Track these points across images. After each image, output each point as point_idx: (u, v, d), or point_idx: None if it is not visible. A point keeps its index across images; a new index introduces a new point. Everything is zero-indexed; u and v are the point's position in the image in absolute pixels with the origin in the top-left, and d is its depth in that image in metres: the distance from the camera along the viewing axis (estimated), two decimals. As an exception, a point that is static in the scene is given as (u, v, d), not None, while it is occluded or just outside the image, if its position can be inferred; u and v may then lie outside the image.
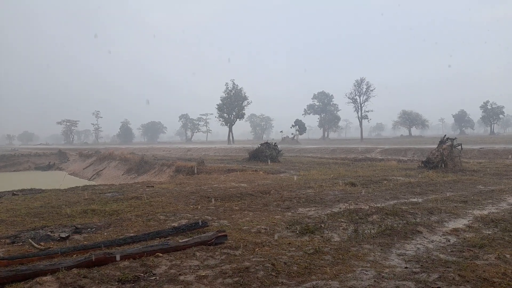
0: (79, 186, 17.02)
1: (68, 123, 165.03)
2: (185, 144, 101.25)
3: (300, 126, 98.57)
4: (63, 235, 7.63)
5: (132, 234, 7.68)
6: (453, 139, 23.21)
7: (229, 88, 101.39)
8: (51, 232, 7.89)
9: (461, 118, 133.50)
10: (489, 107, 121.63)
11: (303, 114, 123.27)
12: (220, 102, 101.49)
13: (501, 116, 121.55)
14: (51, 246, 6.96)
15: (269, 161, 28.08)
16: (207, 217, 9.43)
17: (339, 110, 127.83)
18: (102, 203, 11.70)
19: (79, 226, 8.56)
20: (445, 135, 24.22)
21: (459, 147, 23.21)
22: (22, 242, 7.27)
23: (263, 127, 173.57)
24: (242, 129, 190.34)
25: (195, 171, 22.21)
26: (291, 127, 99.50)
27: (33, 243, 7.01)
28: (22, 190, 16.16)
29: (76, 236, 7.77)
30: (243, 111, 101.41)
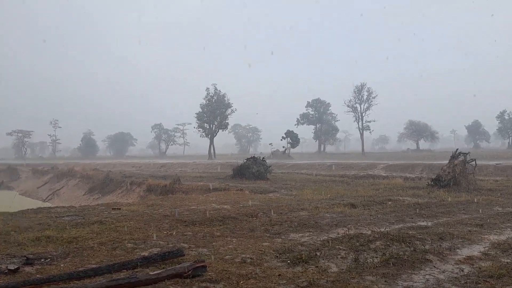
0: (31, 209, 16.86)
1: (20, 134, 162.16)
2: (159, 159, 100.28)
3: (292, 138, 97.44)
4: (11, 267, 7.47)
5: (94, 266, 7.61)
6: (466, 154, 23.66)
7: (210, 94, 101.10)
8: (-3, 263, 7.70)
9: (475, 130, 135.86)
10: (506, 117, 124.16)
11: (295, 125, 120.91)
12: (200, 110, 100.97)
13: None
14: (-4, 281, 6.78)
15: (256, 178, 28.51)
16: (184, 244, 9.44)
17: (337, 121, 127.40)
18: (59, 228, 11.63)
19: (31, 256, 8.43)
20: (457, 149, 24.70)
21: (473, 163, 23.67)
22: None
23: (250, 138, 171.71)
24: (226, 140, 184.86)
25: (170, 191, 22.45)
26: (281, 139, 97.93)
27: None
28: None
29: (27, 268, 7.66)
30: (227, 121, 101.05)
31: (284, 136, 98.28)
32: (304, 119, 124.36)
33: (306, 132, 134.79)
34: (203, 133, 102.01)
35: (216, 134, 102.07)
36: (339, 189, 21.90)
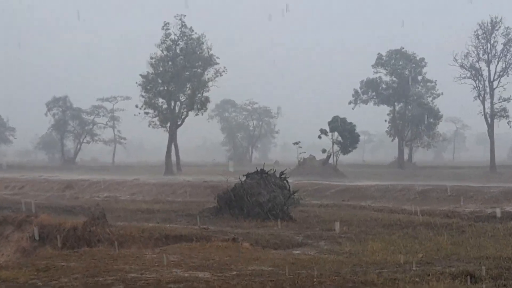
0: None
1: None
2: (62, 172, 61.37)
3: (343, 132, 56.81)
4: None
5: None
6: None
7: (173, 34, 60.67)
8: None
9: None
10: None
11: (350, 104, 73.93)
12: (149, 71, 60.79)
13: None
14: None
15: (267, 216, 21.00)
16: None
17: (437, 97, 75.40)
18: None
19: None
20: None
21: None
22: None
23: (253, 132, 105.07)
24: (203, 135, 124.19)
25: (85, 239, 17.38)
26: (320, 136, 57.94)
27: None
28: None
29: None
30: (205, 93, 61.55)
31: (325, 130, 57.76)
32: (368, 91, 73.48)
33: (372, 121, 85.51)
34: (155, 119, 60.99)
35: (182, 122, 62.57)
36: (441, 241, 15.44)
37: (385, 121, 76.04)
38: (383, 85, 72.85)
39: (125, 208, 26.49)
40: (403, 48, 73.32)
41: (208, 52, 60.44)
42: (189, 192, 36.51)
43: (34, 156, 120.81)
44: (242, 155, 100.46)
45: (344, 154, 58.55)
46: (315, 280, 10.40)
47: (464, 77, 60.34)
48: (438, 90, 74.94)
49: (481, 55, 59.32)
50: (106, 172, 61.66)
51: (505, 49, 58.58)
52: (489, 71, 59.57)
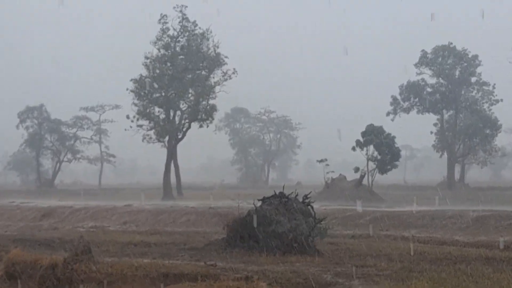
0: None
1: None
2: (38, 197, 55.79)
3: (380, 146, 49.41)
4: None
5: None
6: None
7: (172, 29, 52.89)
8: None
9: None
10: None
11: (389, 114, 64.69)
12: (142, 74, 52.26)
13: None
14: None
15: (288, 249, 18.92)
16: None
17: (494, 103, 64.95)
18: None
19: None
20: None
21: None
22: None
23: (269, 147, 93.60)
24: (210, 151, 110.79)
25: (66, 278, 15.20)
26: (354, 148, 50.59)
27: None
28: None
29: None
30: (211, 100, 53.53)
31: (361, 142, 50.36)
32: (410, 96, 64.08)
33: (415, 133, 76.55)
34: (150, 132, 52.88)
35: (183, 135, 54.69)
36: (501, 280, 12.95)
37: (431, 133, 67.09)
38: (428, 89, 63.03)
39: (115, 241, 24.22)
40: (452, 43, 62.48)
41: (215, 50, 52.13)
42: (192, 221, 34.06)
43: (4, 178, 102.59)
44: (256, 176, 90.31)
45: (381, 173, 51.10)
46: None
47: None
48: (496, 95, 63.90)
49: None
50: (91, 197, 56.51)
51: None
52: None
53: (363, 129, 49.75)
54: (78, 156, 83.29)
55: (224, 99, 55.07)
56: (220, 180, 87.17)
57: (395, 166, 51.47)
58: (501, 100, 64.52)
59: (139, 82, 51.34)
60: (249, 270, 15.31)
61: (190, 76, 52.73)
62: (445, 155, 65.68)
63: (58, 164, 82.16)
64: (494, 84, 64.73)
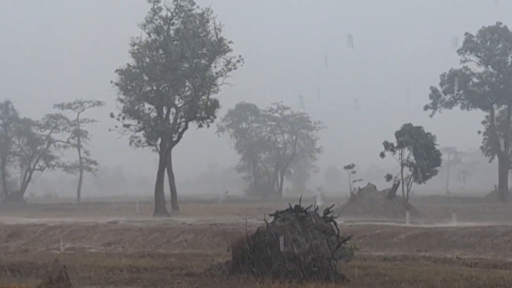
0: None
1: None
2: (4, 213, 48.99)
3: (417, 147, 43.12)
4: None
5: None
6: None
7: (165, 9, 47.22)
8: None
9: None
10: None
11: (428, 108, 58.19)
12: (129, 64, 46.82)
13: None
14: None
15: (305, 274, 17.23)
16: None
17: None
18: None
19: None
20: None
21: None
22: None
23: (284, 150, 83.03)
24: (211, 156, 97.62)
25: None
26: (383, 154, 44.97)
27: None
28: None
29: None
30: (213, 90, 48.01)
31: (391, 144, 44.55)
32: (453, 88, 56.47)
33: (459, 133, 68.11)
34: (139, 134, 48.08)
35: (179, 137, 48.97)
36: None
37: (479, 132, 59.29)
38: (475, 79, 55.38)
39: (97, 265, 21.54)
40: (501, 23, 54.29)
41: (217, 34, 45.89)
42: (190, 241, 31.38)
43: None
44: (267, 186, 79.79)
45: (419, 182, 44.62)
46: None
47: None
48: None
49: None
50: (69, 212, 51.02)
51: None
52: None
53: (398, 128, 43.52)
54: (52, 163, 74.17)
55: (227, 93, 48.37)
56: (224, 192, 77.58)
57: (435, 173, 45.36)
58: None
59: (126, 74, 45.50)
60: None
61: (186, 65, 46.80)
62: (496, 159, 58.74)
63: (28, 173, 73.40)
64: None
